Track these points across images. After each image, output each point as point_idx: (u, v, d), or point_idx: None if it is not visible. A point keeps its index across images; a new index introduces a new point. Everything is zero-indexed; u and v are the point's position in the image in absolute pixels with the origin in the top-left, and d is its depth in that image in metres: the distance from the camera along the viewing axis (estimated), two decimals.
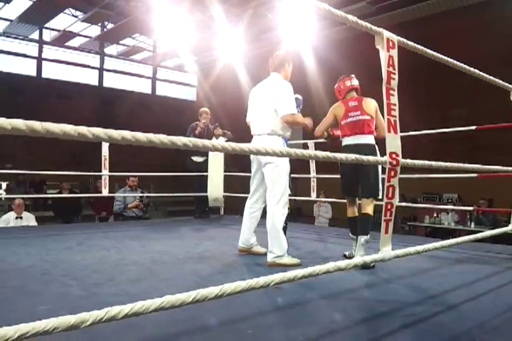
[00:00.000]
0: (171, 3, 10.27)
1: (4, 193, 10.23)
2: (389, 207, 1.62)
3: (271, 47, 12.96)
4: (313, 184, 5.21)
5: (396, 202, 1.65)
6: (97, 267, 2.92)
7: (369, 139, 3.21)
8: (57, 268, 2.86)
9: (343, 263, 1.45)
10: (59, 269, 2.84)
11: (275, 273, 1.26)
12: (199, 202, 6.24)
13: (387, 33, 1.89)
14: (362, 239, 3.03)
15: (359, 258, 1.60)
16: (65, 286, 2.41)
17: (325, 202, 8.26)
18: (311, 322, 1.90)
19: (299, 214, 11.25)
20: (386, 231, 1.62)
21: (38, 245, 3.84)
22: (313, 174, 5.20)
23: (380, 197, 3.00)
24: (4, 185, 10.85)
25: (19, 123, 0.80)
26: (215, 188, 5.99)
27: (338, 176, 3.41)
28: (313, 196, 5.21)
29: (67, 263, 3.06)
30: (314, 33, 11.11)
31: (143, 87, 17.09)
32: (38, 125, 0.82)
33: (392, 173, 1.67)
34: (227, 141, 5.38)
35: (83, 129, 0.86)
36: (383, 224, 1.62)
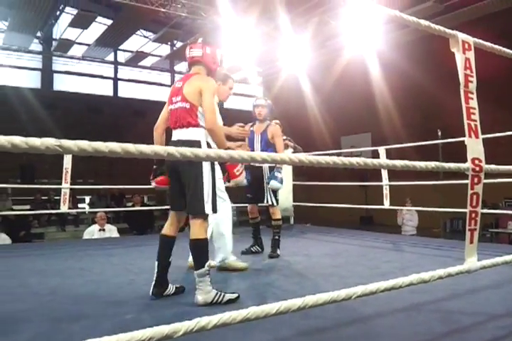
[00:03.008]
0: (237, 18, 10.55)
1: (88, 207, 10.95)
2: (473, 215, 1.55)
3: (334, 55, 12.93)
4: (386, 191, 5.05)
5: (480, 210, 1.58)
6: (175, 276, 3.02)
7: (191, 134, 2.41)
8: (140, 278, 3.01)
9: (426, 275, 1.41)
10: (142, 278, 2.98)
11: (357, 286, 1.25)
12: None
13: (461, 35, 1.82)
14: (196, 275, 2.30)
15: (441, 271, 1.52)
16: (148, 296, 2.51)
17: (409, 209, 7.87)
18: (392, 334, 1.85)
19: (370, 222, 10.99)
20: (471, 241, 1.54)
21: (122, 255, 4.06)
22: (385, 181, 5.05)
23: (209, 213, 2.39)
24: (87, 199, 11.60)
25: (115, 146, 0.87)
26: (285, 198, 6.02)
27: (417, 183, 3.23)
28: (386, 204, 5.05)
29: (150, 272, 3.18)
30: (379, 37, 10.90)
31: None
32: (131, 147, 0.88)
33: (476, 180, 1.60)
34: (294, 152, 5.39)
35: (172, 149, 0.92)
36: (468, 234, 1.55)
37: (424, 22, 1.75)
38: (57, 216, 9.75)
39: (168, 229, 2.58)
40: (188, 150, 0.92)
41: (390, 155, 5.04)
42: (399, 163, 1.43)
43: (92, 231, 5.90)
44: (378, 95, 12.05)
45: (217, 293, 2.31)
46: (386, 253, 4.08)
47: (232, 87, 3.29)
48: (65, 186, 5.20)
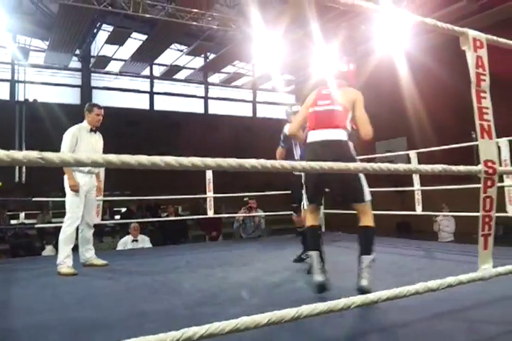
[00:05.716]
0: (267, 28, 10.60)
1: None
2: (487, 220, 1.48)
3: (363, 60, 12.75)
4: (418, 197, 4.90)
5: (494, 214, 1.50)
6: (201, 286, 3.03)
7: (340, 134, 2.61)
8: (165, 287, 3.04)
9: (434, 283, 1.35)
10: (167, 288, 3.02)
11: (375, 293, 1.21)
12: None
13: (472, 33, 1.77)
14: (367, 259, 2.46)
15: (451, 278, 1.44)
16: (171, 305, 2.53)
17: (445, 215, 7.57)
18: None
19: (407, 229, 10.67)
20: (485, 247, 1.47)
21: (151, 265, 4.12)
22: (417, 186, 4.91)
23: (368, 198, 2.63)
24: (124, 210, 11.87)
25: (157, 159, 0.89)
26: None
27: (457, 186, 3.08)
28: (419, 210, 4.90)
29: (175, 282, 3.23)
30: (409, 40, 10.65)
31: (244, 110, 17.78)
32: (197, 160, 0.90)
33: (489, 183, 1.53)
34: None
35: (196, 160, 0.93)
36: (481, 240, 1.48)
37: (430, 20, 1.70)
38: (94, 227, 9.98)
39: (313, 220, 2.76)
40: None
41: (431, 158, 4.88)
42: (402, 167, 1.38)
43: (126, 242, 6.02)
44: (410, 99, 11.75)
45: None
46: (418, 261, 3.95)
47: (98, 113, 3.93)
48: (100, 198, 5.33)
